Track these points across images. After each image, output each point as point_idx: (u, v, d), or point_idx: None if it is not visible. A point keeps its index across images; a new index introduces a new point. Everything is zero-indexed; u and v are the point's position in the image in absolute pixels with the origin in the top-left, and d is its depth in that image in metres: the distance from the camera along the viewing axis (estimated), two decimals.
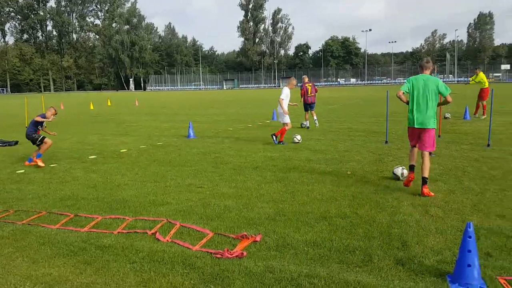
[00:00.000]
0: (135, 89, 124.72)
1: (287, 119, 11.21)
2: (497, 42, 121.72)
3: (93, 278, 3.72)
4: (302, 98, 15.19)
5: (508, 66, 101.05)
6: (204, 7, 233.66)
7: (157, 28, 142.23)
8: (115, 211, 5.72)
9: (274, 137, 11.24)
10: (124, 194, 6.57)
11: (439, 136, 11.83)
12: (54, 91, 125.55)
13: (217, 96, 58.96)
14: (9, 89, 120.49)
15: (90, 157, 10.03)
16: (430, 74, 6.60)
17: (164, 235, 4.67)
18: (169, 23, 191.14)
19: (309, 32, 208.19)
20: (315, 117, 15.41)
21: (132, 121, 20.20)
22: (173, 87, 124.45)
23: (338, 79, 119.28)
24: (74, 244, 4.50)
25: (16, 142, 12.67)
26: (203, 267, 3.87)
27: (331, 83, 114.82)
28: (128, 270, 3.85)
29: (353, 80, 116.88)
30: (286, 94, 11.21)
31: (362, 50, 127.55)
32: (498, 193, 6.12)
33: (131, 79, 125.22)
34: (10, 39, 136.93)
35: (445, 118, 16.78)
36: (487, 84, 16.94)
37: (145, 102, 41.71)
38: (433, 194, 6.15)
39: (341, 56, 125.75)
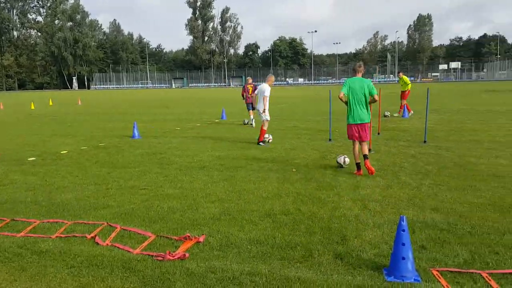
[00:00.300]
0: (78, 88, 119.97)
1: (267, 117, 11.03)
2: (435, 43, 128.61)
3: (28, 284, 3.55)
4: (244, 98, 16.06)
5: (445, 66, 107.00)
6: (151, 4, 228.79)
7: (101, 25, 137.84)
8: (54, 214, 5.49)
9: (261, 143, 10.97)
10: (63, 197, 6.31)
11: (378, 133, 12.32)
12: None
13: (165, 95, 57.98)
14: None
15: (29, 159, 9.54)
16: (362, 76, 7.54)
17: (104, 239, 4.53)
18: (114, 19, 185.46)
19: (258, 32, 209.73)
20: (251, 116, 15.91)
21: (74, 121, 19.43)
22: (119, 86, 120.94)
23: (287, 79, 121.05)
24: (9, 250, 4.27)
25: None
26: (144, 270, 3.80)
27: (280, 83, 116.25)
28: (66, 275, 3.71)
29: (301, 80, 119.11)
30: (269, 91, 11.15)
31: (308, 51, 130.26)
32: (433, 187, 6.45)
33: (74, 78, 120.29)
34: None
35: (385, 116, 17.49)
36: (410, 86, 17.91)
37: (89, 102, 40.24)
38: (373, 169, 7.28)
39: (289, 56, 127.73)
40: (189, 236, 4.47)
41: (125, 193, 6.46)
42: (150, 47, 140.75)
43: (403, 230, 3.62)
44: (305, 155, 9.33)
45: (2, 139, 13.21)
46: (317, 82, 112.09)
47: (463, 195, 5.99)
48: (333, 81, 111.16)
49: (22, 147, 11.38)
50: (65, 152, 10.44)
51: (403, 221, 3.64)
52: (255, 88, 15.71)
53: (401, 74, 18.69)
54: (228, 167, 8.18)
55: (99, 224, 5.02)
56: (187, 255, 4.04)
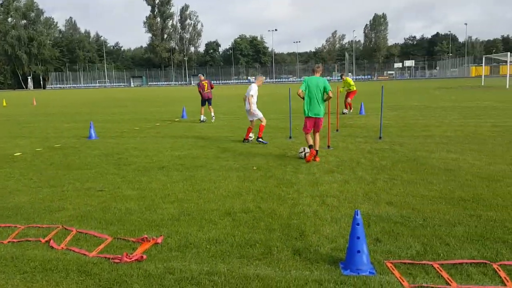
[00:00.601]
0: (34, 87, 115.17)
1: (260, 115, 11.06)
2: (390, 42, 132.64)
3: None
4: (201, 94, 16.34)
5: (400, 65, 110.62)
6: (109, 1, 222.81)
7: (57, 23, 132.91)
8: (7, 219, 5.26)
9: (260, 140, 10.94)
10: (17, 200, 6.06)
11: (337, 130, 12.59)
12: None
13: (123, 94, 56.70)
14: None
15: None
16: (320, 75, 8.45)
17: (59, 243, 4.39)
18: (70, 17, 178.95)
19: (219, 30, 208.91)
20: (212, 113, 16.61)
21: (29, 122, 18.68)
22: (76, 85, 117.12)
23: (249, 77, 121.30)
24: None
25: None
26: (100, 273, 3.71)
27: (242, 81, 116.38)
28: (18, 282, 3.57)
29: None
30: (255, 91, 11.08)
31: (269, 49, 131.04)
32: (388, 181, 6.66)
33: (29, 77, 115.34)
34: None
35: (343, 113, 17.86)
36: (354, 87, 18.46)
37: (44, 102, 38.76)
38: (319, 159, 8.40)
39: (250, 55, 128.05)
40: (146, 238, 4.40)
41: (81, 195, 6.28)
42: (108, 45, 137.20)
43: (358, 224, 3.72)
44: (266, 153, 9.39)
45: None
46: (279, 80, 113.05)
47: (416, 188, 6.22)
48: (294, 80, 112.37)
49: None
50: (18, 154, 10.01)
51: (357, 215, 3.74)
52: (210, 84, 16.44)
53: (344, 76, 19.29)
54: (188, 167, 8.12)
55: (54, 228, 4.85)
56: (144, 256, 3.98)
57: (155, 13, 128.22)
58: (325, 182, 6.71)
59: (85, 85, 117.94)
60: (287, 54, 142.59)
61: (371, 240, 4.33)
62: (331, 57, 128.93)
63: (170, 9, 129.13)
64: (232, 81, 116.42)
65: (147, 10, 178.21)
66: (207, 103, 16.42)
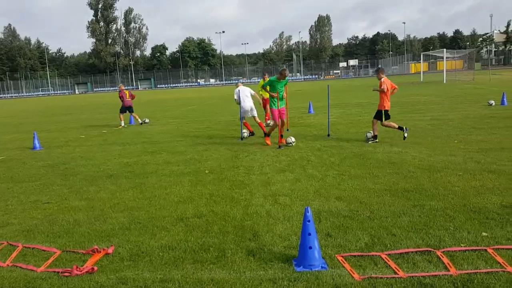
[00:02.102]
0: None
1: (255, 113, 12.08)
2: (335, 42, 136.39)
3: None
4: (122, 102, 17.33)
5: (345, 64, 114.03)
6: (49, 6, 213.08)
7: None
8: None
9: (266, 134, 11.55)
10: None
11: (287, 129, 12.78)
12: None
13: (68, 101, 54.53)
14: None
15: None
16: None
17: (4, 260, 4.16)
18: (9, 24, 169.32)
19: (166, 33, 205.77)
20: (138, 118, 17.66)
21: None
22: (17, 94, 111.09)
23: (198, 80, 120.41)
24: None
25: None
26: None
27: (191, 84, 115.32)
28: None
29: (212, 81, 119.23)
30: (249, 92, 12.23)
31: (218, 51, 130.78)
32: (336, 177, 6.86)
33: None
34: None
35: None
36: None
37: None
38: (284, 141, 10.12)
39: (199, 57, 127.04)
40: (97, 249, 4.27)
41: (27, 209, 5.99)
42: (50, 52, 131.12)
43: (308, 221, 3.81)
44: (218, 155, 9.38)
45: None
46: (229, 82, 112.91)
47: (363, 182, 6.45)
48: (244, 81, 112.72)
49: None
50: None
51: (308, 212, 3.83)
52: (130, 94, 17.78)
53: (265, 76, 19.48)
54: (138, 174, 7.95)
55: (10, 243, 4.59)
56: (95, 268, 3.87)
57: (98, 17, 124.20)
58: (277, 182, 6.80)
59: (27, 94, 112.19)
60: (236, 56, 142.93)
61: (322, 236, 4.44)
62: (279, 58, 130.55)
63: (114, 12, 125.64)
64: (181, 84, 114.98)
65: (89, 15, 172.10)
66: (127, 111, 17.39)
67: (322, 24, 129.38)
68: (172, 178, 7.45)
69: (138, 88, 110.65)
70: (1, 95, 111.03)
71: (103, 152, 10.76)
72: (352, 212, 5.14)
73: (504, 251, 3.87)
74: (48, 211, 5.85)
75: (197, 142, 11.49)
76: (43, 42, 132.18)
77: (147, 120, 17.89)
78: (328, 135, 11.24)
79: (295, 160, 8.46)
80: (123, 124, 17.08)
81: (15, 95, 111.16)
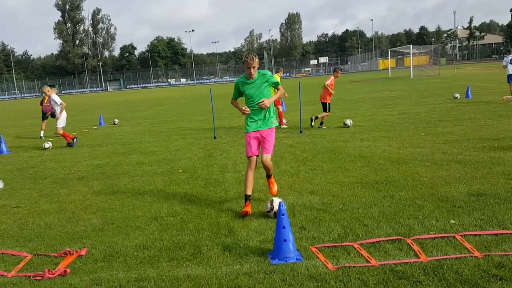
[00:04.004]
0: None
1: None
2: (305, 40, 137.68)
3: None
4: (42, 107, 15.04)
5: (315, 61, 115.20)
6: (14, 8, 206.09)
7: None
8: None
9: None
10: None
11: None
12: None
13: (35, 105, 52.98)
14: None
15: None
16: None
17: None
18: None
19: (135, 32, 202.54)
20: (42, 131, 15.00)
21: None
22: None
23: (169, 80, 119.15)
24: None
25: None
26: None
27: (161, 84, 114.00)
28: None
29: (183, 80, 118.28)
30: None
31: (188, 50, 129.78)
32: (309, 172, 6.95)
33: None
34: None
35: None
36: None
37: None
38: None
39: (169, 57, 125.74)
40: (69, 251, 4.19)
41: None
42: (16, 54, 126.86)
43: (283, 214, 3.85)
44: (191, 155, 9.34)
45: None
46: (200, 81, 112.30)
47: (335, 176, 6.56)
48: (215, 80, 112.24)
49: None
50: None
51: (282, 206, 3.88)
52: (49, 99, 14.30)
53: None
54: (109, 175, 7.83)
55: None
56: (68, 270, 3.80)
57: (65, 18, 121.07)
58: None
59: None
60: (207, 55, 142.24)
61: (296, 229, 4.50)
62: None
63: (81, 13, 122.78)
64: (151, 85, 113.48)
65: (57, 16, 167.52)
66: (45, 118, 15.04)
67: (292, 22, 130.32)
68: (145, 178, 7.38)
69: (107, 90, 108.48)
70: None
71: (73, 154, 10.54)
72: (325, 205, 5.22)
73: (471, 237, 4.02)
74: (17, 215, 5.70)
75: (169, 142, 11.40)
76: (8, 45, 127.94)
77: (116, 121, 17.60)
78: (301, 131, 11.36)
79: None
80: (42, 134, 14.94)
81: None
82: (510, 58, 15.38)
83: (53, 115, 13.94)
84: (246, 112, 5.27)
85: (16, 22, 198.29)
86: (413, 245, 3.91)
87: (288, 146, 9.50)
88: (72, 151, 11.03)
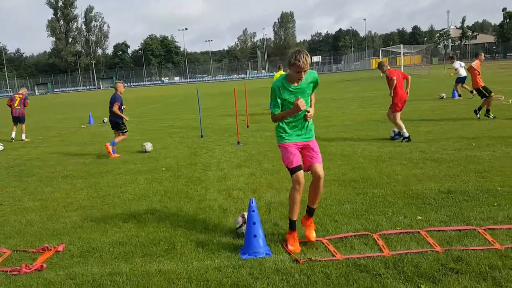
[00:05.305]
0: None
1: None
2: (299, 38, 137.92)
3: None
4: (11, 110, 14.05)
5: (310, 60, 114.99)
6: (6, 5, 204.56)
7: None
8: None
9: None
10: None
11: (247, 126, 12.98)
12: None
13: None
14: None
15: None
16: None
17: None
18: None
19: (128, 30, 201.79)
20: (23, 134, 13.83)
21: None
22: None
23: (162, 78, 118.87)
24: None
25: None
26: None
27: (154, 82, 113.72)
28: None
29: (176, 79, 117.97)
30: None
31: (182, 49, 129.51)
32: None
33: None
34: None
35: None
36: None
37: None
38: None
39: (162, 55, 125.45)
40: (47, 247, 4.31)
41: None
42: (8, 52, 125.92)
43: (253, 211, 3.99)
44: (176, 153, 9.45)
45: None
46: (193, 80, 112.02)
47: None
48: (209, 79, 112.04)
49: None
50: None
51: (252, 203, 4.02)
52: (23, 100, 13.93)
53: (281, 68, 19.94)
54: (93, 173, 7.93)
55: None
56: (44, 265, 3.91)
57: (58, 16, 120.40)
58: (232, 177, 6.96)
59: None
60: (200, 53, 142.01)
61: (270, 225, 4.65)
62: (244, 55, 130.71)
63: (74, 11, 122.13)
64: (144, 83, 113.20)
65: (49, 14, 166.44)
66: (17, 121, 13.89)
67: (286, 21, 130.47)
68: (127, 177, 7.48)
69: (100, 88, 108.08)
70: None
71: (60, 153, 10.61)
72: (300, 203, 5.35)
73: (435, 233, 4.17)
74: (0, 213, 5.79)
75: (156, 141, 11.48)
76: (0, 42, 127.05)
77: (105, 120, 17.62)
78: None
79: (252, 155, 8.64)
80: (13, 135, 13.80)
81: None
82: (459, 63, 18.22)
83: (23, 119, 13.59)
84: (302, 104, 3.88)
85: (8, 20, 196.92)
86: (378, 240, 4.07)
87: (274, 145, 9.62)
88: (60, 150, 11.10)
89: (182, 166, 8.06)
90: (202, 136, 11.67)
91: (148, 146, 9.80)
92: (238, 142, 10.15)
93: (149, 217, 5.22)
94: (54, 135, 14.49)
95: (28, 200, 6.40)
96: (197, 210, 5.39)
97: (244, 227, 4.51)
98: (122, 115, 9.51)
